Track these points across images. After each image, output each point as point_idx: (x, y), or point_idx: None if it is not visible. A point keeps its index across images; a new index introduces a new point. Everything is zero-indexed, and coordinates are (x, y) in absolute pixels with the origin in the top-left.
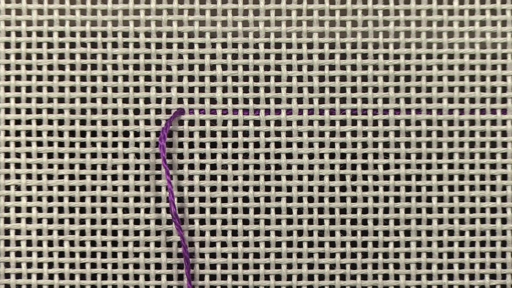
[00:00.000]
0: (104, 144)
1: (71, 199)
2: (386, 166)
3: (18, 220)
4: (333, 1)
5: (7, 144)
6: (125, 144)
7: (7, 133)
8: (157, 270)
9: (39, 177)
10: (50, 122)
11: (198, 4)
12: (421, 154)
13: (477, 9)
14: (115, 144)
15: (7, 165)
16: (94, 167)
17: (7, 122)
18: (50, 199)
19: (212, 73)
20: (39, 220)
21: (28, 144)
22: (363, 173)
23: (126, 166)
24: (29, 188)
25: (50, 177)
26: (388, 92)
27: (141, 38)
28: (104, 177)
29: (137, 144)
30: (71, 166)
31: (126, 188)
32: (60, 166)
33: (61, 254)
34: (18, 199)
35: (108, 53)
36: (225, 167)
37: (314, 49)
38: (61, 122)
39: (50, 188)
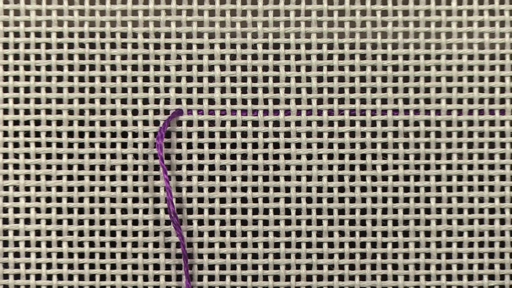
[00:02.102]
0: (102, 145)
1: (70, 199)
2: (385, 167)
3: (17, 220)
4: (331, 2)
5: (5, 144)
6: (124, 145)
7: (5, 133)
8: (155, 271)
9: (38, 177)
10: (49, 122)
11: (196, 5)
12: (419, 154)
13: (476, 9)
14: (113, 145)
15: (5, 166)
16: (92, 167)
17: (5, 122)
18: (48, 199)
19: (210, 74)
20: (38, 221)
21: (27, 144)
22: (362, 173)
23: (124, 167)
24: (27, 188)
25: (48, 177)
26: (386, 92)
27: (139, 39)
28: (102, 178)
29: (135, 145)
30: (70, 167)
31: (124, 189)
32: (59, 167)
33: (60, 255)
34: (16, 199)
35: (106, 53)
36: (223, 167)
37: (313, 49)
38: (59, 122)
39: (48, 188)
